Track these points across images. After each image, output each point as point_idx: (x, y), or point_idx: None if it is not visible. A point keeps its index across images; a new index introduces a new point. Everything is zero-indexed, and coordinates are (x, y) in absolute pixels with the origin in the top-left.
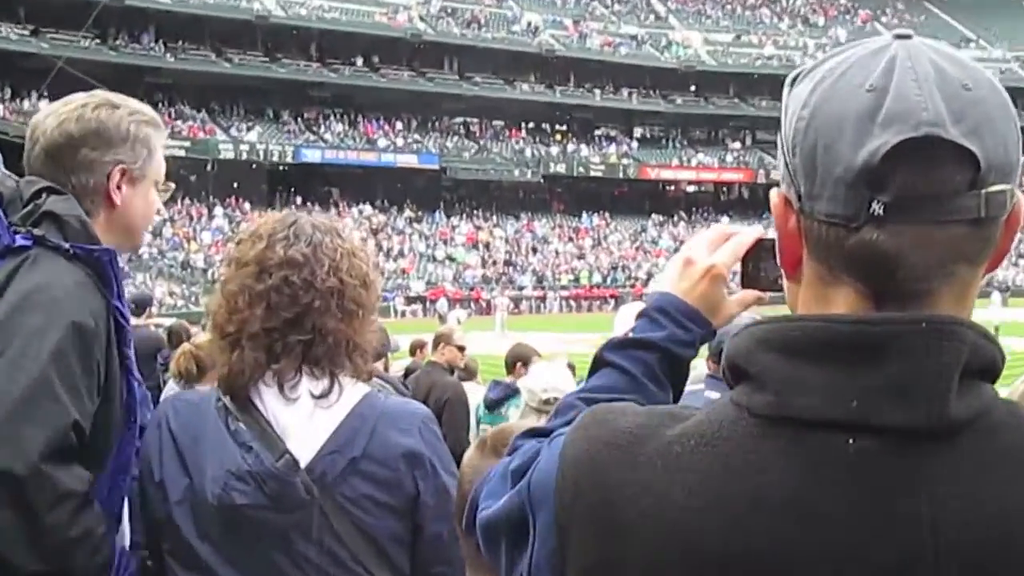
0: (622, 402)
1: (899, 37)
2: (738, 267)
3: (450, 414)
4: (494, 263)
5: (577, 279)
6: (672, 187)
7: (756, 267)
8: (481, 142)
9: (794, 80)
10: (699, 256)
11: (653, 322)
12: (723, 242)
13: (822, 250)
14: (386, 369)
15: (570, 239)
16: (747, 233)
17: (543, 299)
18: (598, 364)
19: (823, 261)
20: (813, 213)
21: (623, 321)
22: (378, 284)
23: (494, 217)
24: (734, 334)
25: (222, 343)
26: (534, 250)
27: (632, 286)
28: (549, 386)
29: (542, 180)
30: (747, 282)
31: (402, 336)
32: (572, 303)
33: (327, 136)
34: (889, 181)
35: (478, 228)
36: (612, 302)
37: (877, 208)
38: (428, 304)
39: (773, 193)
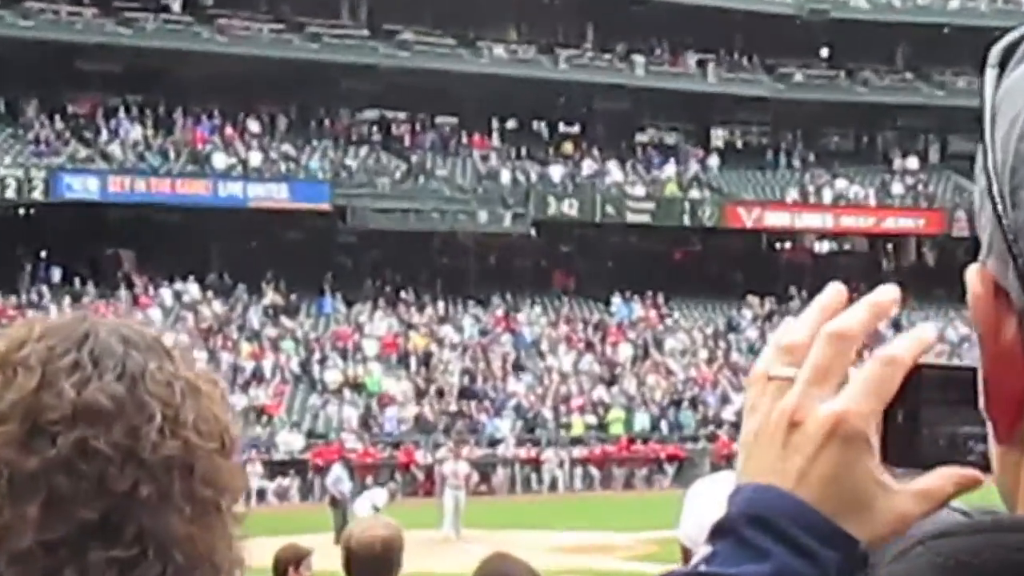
0: None
1: None
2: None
3: None
4: (440, 394)
5: (603, 424)
6: (787, 244)
7: (915, 420)
8: (413, 158)
9: (1004, 57)
10: (808, 401)
11: (745, 545)
12: (851, 351)
13: None
14: None
15: (589, 346)
16: (912, 340)
17: (536, 464)
18: None
19: None
20: None
21: (698, 512)
22: (240, 444)
23: (439, 303)
24: (896, 552)
25: None
26: (518, 368)
27: (711, 438)
28: None
29: (533, 232)
30: (896, 450)
31: (258, 540)
32: (593, 472)
33: (113, 149)
34: None
35: (408, 325)
36: (672, 468)
37: None
38: (310, 475)
39: (971, 274)
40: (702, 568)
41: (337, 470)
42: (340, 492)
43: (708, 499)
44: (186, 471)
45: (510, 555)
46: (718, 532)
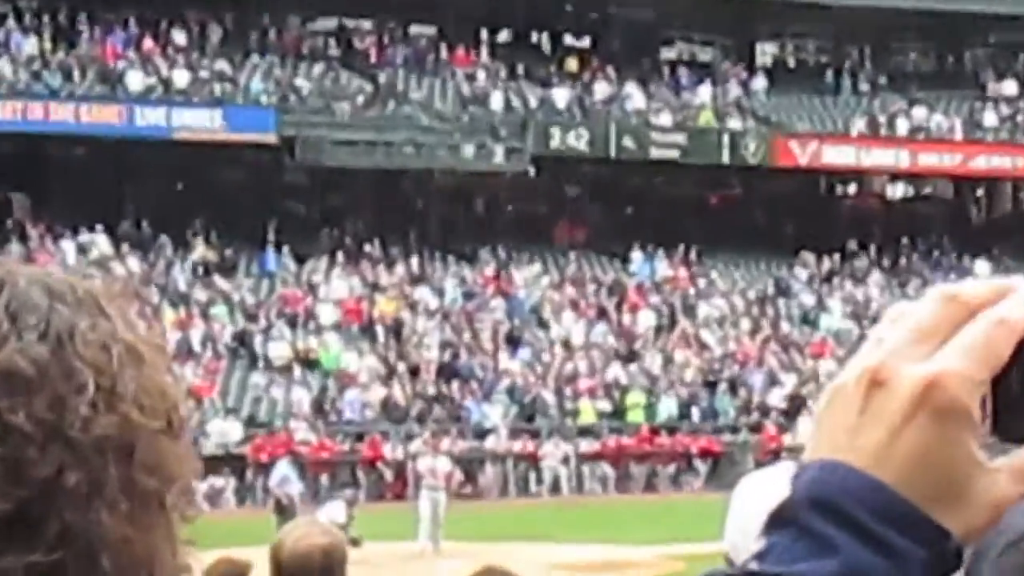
0: None
1: None
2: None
3: None
4: (414, 373)
5: (619, 411)
6: (852, 187)
7: None
8: (380, 78)
9: None
10: (899, 359)
11: (806, 535)
12: (965, 316)
13: None
14: None
15: (602, 312)
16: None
17: (534, 461)
18: None
19: None
20: None
21: (747, 517)
22: (189, 426)
23: (413, 259)
24: (1008, 542)
25: None
26: (513, 340)
27: (755, 428)
28: None
29: (532, 170)
30: (1009, 423)
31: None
32: (606, 470)
33: (1, 66)
34: None
35: (374, 287)
36: (705, 466)
37: None
38: (249, 474)
39: None
40: (753, 566)
41: (283, 468)
42: (287, 495)
43: (760, 500)
44: (124, 455)
45: (502, 567)
46: (775, 521)
